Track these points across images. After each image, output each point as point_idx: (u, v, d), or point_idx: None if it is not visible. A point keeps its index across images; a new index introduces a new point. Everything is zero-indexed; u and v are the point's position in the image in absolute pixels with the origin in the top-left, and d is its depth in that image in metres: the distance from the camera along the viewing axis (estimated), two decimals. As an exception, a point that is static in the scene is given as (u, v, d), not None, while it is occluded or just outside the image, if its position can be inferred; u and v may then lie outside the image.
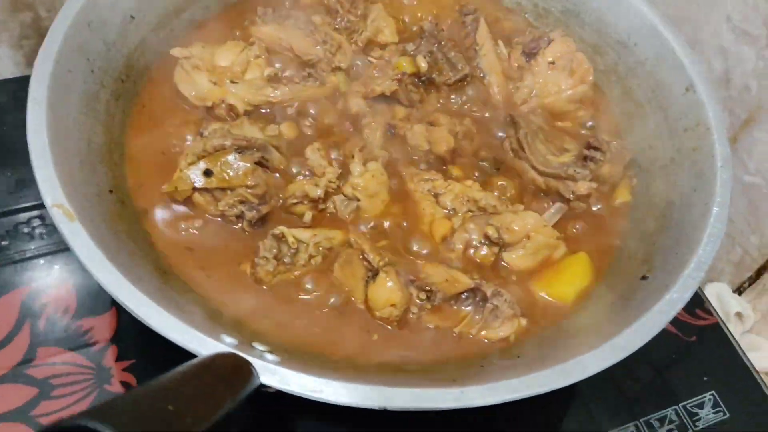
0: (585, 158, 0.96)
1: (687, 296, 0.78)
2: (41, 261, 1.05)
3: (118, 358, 0.98)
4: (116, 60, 0.98)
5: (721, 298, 1.24)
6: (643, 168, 1.01)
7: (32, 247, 1.07)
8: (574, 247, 0.94)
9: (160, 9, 1.06)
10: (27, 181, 1.13)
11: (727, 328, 1.10)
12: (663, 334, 1.06)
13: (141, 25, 1.03)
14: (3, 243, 1.06)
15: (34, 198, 1.11)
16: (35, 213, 1.10)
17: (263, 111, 1.01)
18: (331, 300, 0.86)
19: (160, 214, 0.90)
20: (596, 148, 0.96)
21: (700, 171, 0.91)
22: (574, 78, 1.08)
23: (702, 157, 0.92)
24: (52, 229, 1.08)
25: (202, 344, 0.68)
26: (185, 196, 0.89)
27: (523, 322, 0.86)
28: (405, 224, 0.94)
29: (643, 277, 0.85)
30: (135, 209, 0.90)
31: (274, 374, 0.67)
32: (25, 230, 1.08)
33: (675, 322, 1.11)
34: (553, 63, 1.08)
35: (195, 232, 0.89)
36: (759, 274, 1.26)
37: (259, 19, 1.09)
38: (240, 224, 0.90)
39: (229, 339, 0.71)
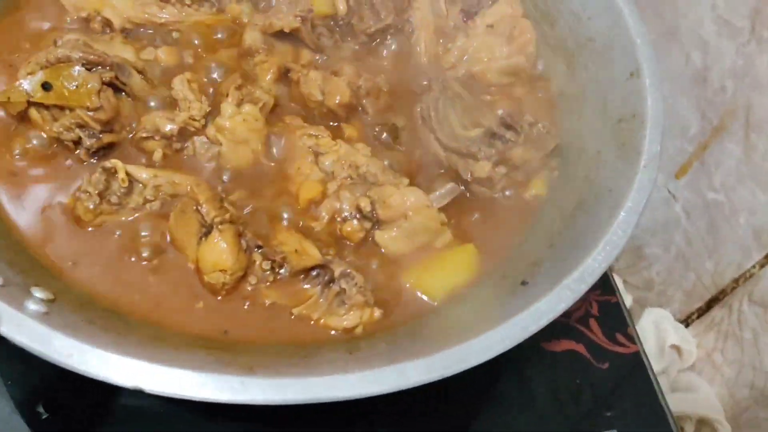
0: (494, 135, 0.81)
1: (559, 309, 0.64)
2: None
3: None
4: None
5: (659, 326, 1.09)
6: (568, 160, 0.86)
7: None
8: (464, 238, 0.80)
9: None
10: None
11: (648, 361, 0.95)
12: (570, 355, 0.93)
13: None
14: None
15: None
16: None
17: (145, 31, 0.88)
18: (157, 253, 0.73)
19: (-9, 130, 0.78)
20: (509, 127, 0.82)
21: (622, 170, 0.76)
22: (511, 46, 0.93)
23: (627, 153, 0.77)
24: None
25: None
26: (19, 109, 0.77)
27: (377, 313, 0.73)
28: (273, 181, 0.81)
29: (523, 282, 0.71)
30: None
31: (18, 327, 0.55)
32: None
33: (588, 344, 0.97)
34: (491, 26, 0.93)
35: (26, 155, 0.77)
36: (709, 306, 1.11)
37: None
38: (78, 152, 0.78)
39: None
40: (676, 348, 1.09)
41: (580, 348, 0.95)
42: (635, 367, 0.96)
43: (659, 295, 1.20)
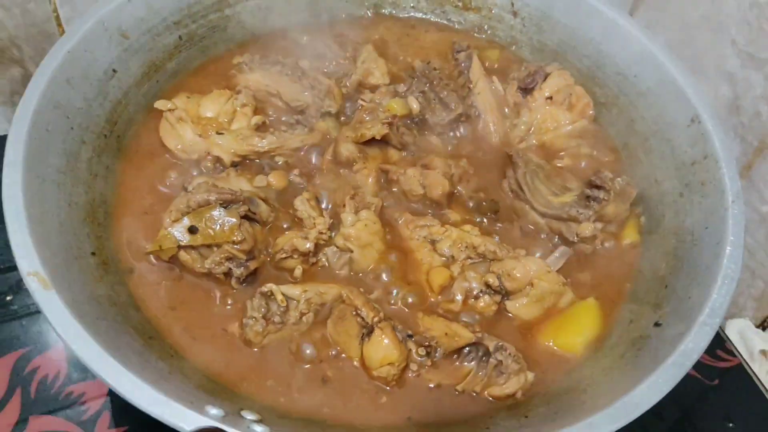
0: (588, 198, 0.91)
1: (703, 345, 0.73)
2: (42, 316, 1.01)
3: (111, 425, 0.93)
4: (98, 116, 0.95)
5: (744, 335, 1.17)
6: (651, 205, 0.96)
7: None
8: (582, 292, 0.89)
9: (144, 61, 1.04)
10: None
11: (751, 369, 1.04)
12: (686, 379, 1.00)
13: (124, 79, 1.00)
14: (7, 298, 1.03)
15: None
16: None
17: (251, 161, 0.98)
18: (327, 360, 0.81)
19: (144, 274, 0.86)
20: (599, 187, 0.91)
21: (711, 207, 0.86)
22: (573, 112, 1.04)
23: (711, 191, 0.87)
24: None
25: (184, 418, 0.64)
26: (170, 254, 0.85)
27: (530, 376, 0.80)
28: (401, 275, 0.89)
29: (656, 324, 0.80)
30: (119, 270, 0.86)
31: (258, 449, 0.63)
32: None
33: (696, 365, 1.05)
34: (550, 98, 1.04)
35: (181, 291, 0.85)
36: (781, 307, 1.20)
37: (246, 67, 1.06)
38: (228, 282, 0.86)
39: (214, 410, 0.67)
40: (763, 352, 1.17)
41: (690, 371, 1.03)
42: (741, 377, 1.04)
43: (733, 304, 1.28)
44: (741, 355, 1.06)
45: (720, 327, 1.09)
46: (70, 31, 0.94)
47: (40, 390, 0.96)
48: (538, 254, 0.91)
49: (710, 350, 1.07)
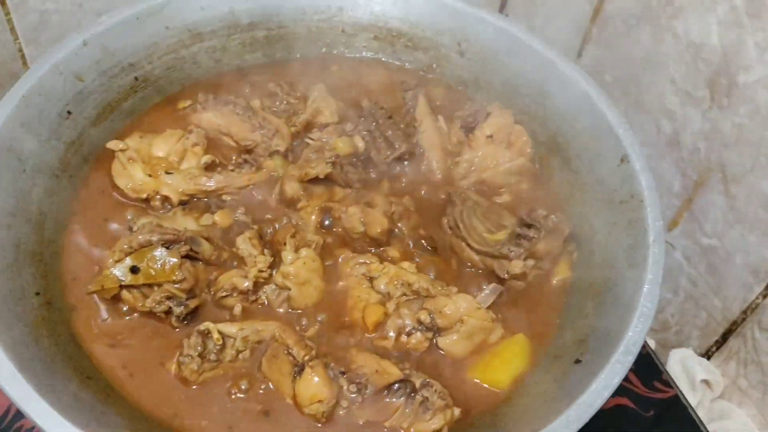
0: (519, 236, 0.94)
1: (615, 383, 0.76)
2: None
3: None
4: (51, 157, 0.99)
5: (686, 364, 1.20)
6: (583, 242, 0.99)
7: None
8: (513, 328, 0.92)
9: (99, 102, 1.07)
10: None
11: (687, 402, 1.07)
12: (620, 410, 1.04)
13: (78, 120, 1.04)
14: None
15: None
16: None
17: (199, 200, 1.01)
18: (260, 397, 0.84)
19: (88, 312, 0.89)
20: (530, 225, 0.95)
21: (634, 246, 0.89)
22: (512, 151, 1.07)
23: (636, 231, 0.91)
24: None
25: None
26: (113, 293, 0.88)
27: (456, 412, 0.83)
28: (339, 311, 0.92)
29: (577, 361, 0.83)
30: (63, 308, 0.89)
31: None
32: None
33: (632, 396, 1.08)
34: (490, 136, 1.07)
35: (123, 329, 0.89)
36: (725, 338, 1.23)
37: (200, 106, 1.10)
38: (169, 320, 0.89)
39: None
40: (705, 381, 1.20)
41: (626, 401, 1.06)
42: (676, 408, 1.07)
43: (677, 334, 1.32)
44: (677, 387, 1.09)
45: (658, 359, 1.12)
46: (25, 77, 0.97)
47: (-8, 425, 0.98)
48: (475, 291, 0.94)
49: (647, 381, 1.10)
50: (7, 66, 1.28)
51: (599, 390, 0.75)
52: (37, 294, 0.87)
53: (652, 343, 1.35)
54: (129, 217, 0.97)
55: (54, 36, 1.28)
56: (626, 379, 1.07)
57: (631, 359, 0.78)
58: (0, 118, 0.92)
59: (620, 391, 1.06)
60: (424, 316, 0.89)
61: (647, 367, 1.11)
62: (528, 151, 1.08)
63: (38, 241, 0.92)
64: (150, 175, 1.00)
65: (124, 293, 0.88)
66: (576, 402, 0.74)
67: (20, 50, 1.27)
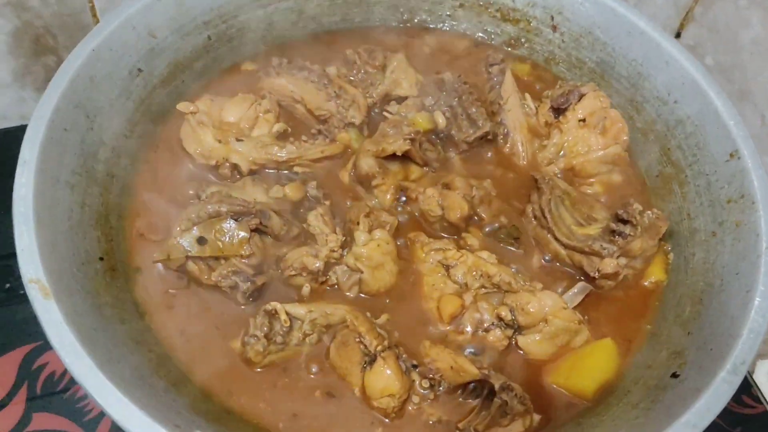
0: (613, 232, 0.87)
1: (721, 404, 0.69)
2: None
3: (113, 428, 0.94)
4: (119, 115, 0.94)
5: (774, 377, 1.12)
6: (681, 242, 0.91)
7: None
8: (599, 331, 0.85)
9: (170, 61, 1.02)
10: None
11: (778, 419, 0.98)
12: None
13: (148, 79, 0.99)
14: (20, 292, 1.03)
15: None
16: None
17: (269, 170, 0.96)
18: (326, 385, 0.79)
19: (151, 281, 0.85)
20: (626, 221, 0.87)
21: (744, 251, 0.81)
22: (606, 137, 0.99)
23: (745, 234, 0.82)
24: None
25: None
26: (178, 264, 0.84)
27: (536, 418, 0.77)
28: (412, 299, 0.87)
29: (674, 375, 0.76)
30: (128, 273, 0.86)
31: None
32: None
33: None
34: (583, 120, 0.99)
35: (187, 301, 0.84)
36: (818, 349, 1.13)
37: (273, 70, 1.04)
38: (234, 296, 0.84)
39: (200, 435, 0.65)
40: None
41: (713, 416, 0.98)
42: (765, 426, 0.99)
43: (764, 343, 1.22)
44: (767, 402, 1.00)
45: (748, 371, 1.04)
46: (97, 29, 0.93)
47: (46, 386, 0.96)
48: (559, 289, 0.88)
49: (735, 395, 1.01)
50: (76, 17, 1.24)
51: (702, 411, 0.68)
52: (101, 259, 0.83)
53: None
54: (197, 185, 0.92)
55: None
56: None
57: (738, 380, 0.71)
58: (69, 71, 0.87)
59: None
60: (504, 312, 0.83)
61: (736, 380, 1.03)
62: (624, 138, 0.99)
63: (104, 203, 0.89)
64: (220, 141, 0.95)
65: (190, 264, 0.84)
66: (678, 421, 0.67)
67: (90, 1, 1.23)
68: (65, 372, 0.97)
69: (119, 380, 0.66)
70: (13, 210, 0.75)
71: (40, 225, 0.75)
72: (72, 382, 0.97)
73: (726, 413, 0.98)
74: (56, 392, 0.95)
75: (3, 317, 1.02)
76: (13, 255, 1.02)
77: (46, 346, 0.99)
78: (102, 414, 0.94)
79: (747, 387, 1.02)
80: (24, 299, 0.98)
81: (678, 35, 1.27)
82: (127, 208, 0.91)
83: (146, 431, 0.63)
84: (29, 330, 1.00)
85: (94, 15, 1.25)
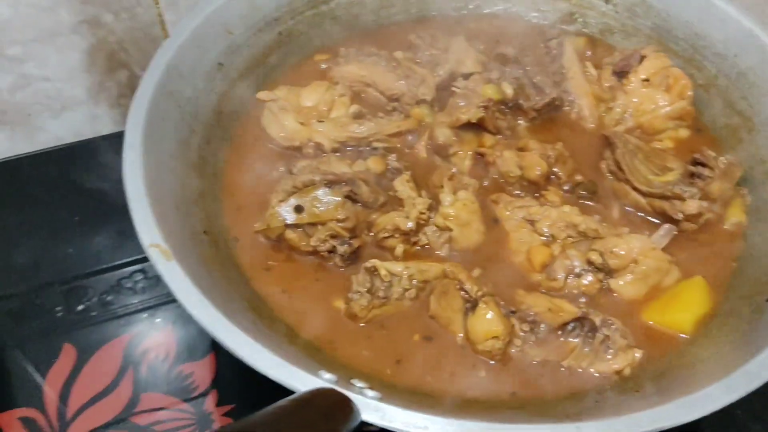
0: (692, 175, 0.90)
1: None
2: (144, 315, 1.05)
3: (219, 403, 0.97)
4: (205, 106, 1.00)
5: None
6: (757, 184, 0.93)
7: (135, 301, 1.06)
8: (687, 271, 0.87)
9: (247, 56, 1.08)
10: (129, 235, 1.14)
11: None
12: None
13: (229, 72, 1.05)
14: (107, 298, 1.07)
15: (137, 251, 1.10)
16: (138, 267, 1.10)
17: (350, 148, 1.01)
18: (429, 334, 0.82)
19: (253, 252, 0.90)
20: (703, 164, 0.90)
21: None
22: (671, 94, 1.02)
23: (823, 168, 0.85)
24: (154, 282, 1.08)
25: (302, 381, 0.66)
26: (278, 233, 0.88)
27: (638, 354, 0.79)
28: (501, 254, 0.90)
29: (768, 299, 0.78)
30: (229, 248, 0.90)
31: (376, 411, 0.64)
32: (128, 285, 1.08)
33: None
34: (647, 80, 1.03)
35: (288, 268, 0.89)
36: None
37: (342, 59, 1.10)
38: (333, 260, 0.88)
39: (327, 375, 0.68)
40: None
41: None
42: None
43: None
44: None
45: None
46: (180, 28, 0.99)
47: (151, 369, 1.00)
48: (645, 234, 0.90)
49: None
50: (147, 30, 1.31)
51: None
52: (205, 233, 0.88)
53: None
54: (286, 162, 0.97)
55: (192, 1, 1.30)
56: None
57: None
58: (161, 64, 0.93)
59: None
60: (595, 257, 0.85)
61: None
62: (689, 93, 1.02)
63: (200, 184, 0.93)
64: (302, 124, 1.00)
65: (288, 232, 0.88)
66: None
67: (160, 15, 1.30)
68: (168, 355, 1.01)
69: (248, 332, 0.70)
70: (126, 187, 0.80)
71: (152, 199, 0.80)
72: (175, 364, 1.01)
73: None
74: (160, 374, 0.99)
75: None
76: (90, 274, 1.08)
77: (145, 336, 1.03)
78: (207, 391, 0.97)
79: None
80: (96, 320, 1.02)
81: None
82: (221, 188, 0.96)
83: (280, 371, 0.66)
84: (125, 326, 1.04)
85: (164, 28, 1.32)
